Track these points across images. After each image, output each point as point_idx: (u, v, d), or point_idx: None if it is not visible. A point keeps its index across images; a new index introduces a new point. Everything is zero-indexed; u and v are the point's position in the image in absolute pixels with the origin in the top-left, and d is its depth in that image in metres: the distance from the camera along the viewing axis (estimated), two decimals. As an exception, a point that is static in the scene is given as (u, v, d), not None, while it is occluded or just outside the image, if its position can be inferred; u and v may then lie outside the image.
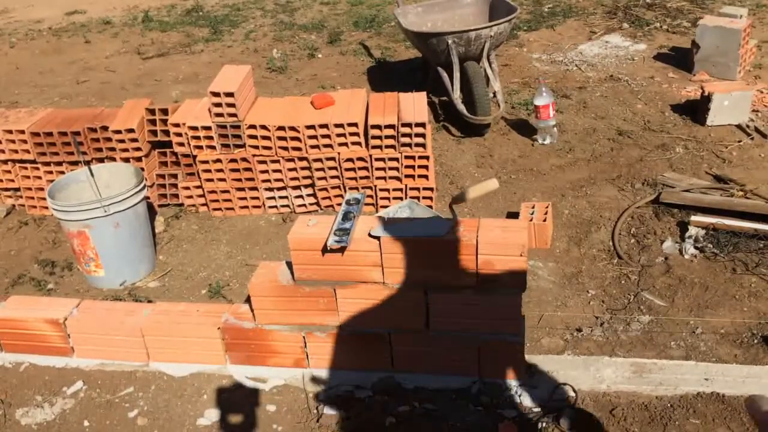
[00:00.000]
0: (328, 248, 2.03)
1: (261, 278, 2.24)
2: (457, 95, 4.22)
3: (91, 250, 3.03)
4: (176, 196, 3.72)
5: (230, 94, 3.32)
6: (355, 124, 3.33)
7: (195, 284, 3.15)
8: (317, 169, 3.44)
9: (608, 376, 2.27)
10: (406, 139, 3.35)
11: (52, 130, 3.52)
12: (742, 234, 3.04)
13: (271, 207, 3.62)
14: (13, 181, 3.73)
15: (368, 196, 3.49)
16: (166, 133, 3.54)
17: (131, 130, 3.50)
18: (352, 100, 3.55)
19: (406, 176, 3.44)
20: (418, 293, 2.12)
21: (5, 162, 3.67)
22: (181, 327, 2.39)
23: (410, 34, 4.48)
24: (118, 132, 3.50)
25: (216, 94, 3.34)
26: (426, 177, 3.45)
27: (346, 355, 2.28)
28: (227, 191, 3.57)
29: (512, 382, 2.23)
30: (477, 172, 3.90)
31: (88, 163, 3.39)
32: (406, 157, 3.39)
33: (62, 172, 3.53)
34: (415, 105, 3.48)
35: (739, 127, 4.13)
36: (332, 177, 3.45)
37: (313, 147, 3.38)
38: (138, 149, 3.54)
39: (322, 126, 3.34)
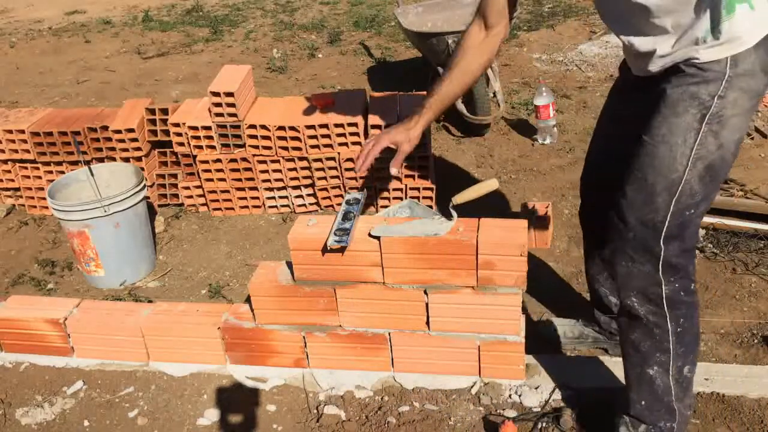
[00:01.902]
0: (328, 248, 2.04)
1: (261, 278, 2.24)
2: (457, 95, 4.21)
3: (91, 249, 3.03)
4: (176, 196, 3.72)
5: (230, 94, 3.32)
6: (355, 124, 3.33)
7: (195, 284, 3.15)
8: (317, 169, 3.44)
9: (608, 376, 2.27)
10: (406, 139, 3.35)
11: (52, 130, 3.52)
12: (742, 234, 3.04)
13: (271, 207, 3.62)
14: (13, 181, 3.73)
15: (368, 195, 3.48)
16: (166, 133, 3.55)
17: (131, 130, 3.50)
18: (352, 100, 3.55)
19: (406, 176, 3.45)
20: (418, 293, 2.12)
21: (5, 162, 3.67)
22: (181, 327, 2.40)
23: (410, 33, 4.48)
24: (118, 132, 3.50)
25: (216, 94, 3.34)
26: (426, 177, 3.45)
27: (346, 355, 2.29)
28: (227, 191, 3.57)
29: (512, 382, 2.24)
30: (477, 172, 3.89)
31: (88, 162, 3.39)
32: (407, 157, 3.38)
33: (62, 172, 3.53)
34: (415, 105, 3.48)
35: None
36: (332, 177, 3.45)
37: (313, 147, 3.39)
38: (138, 149, 3.54)
39: (322, 126, 3.34)
